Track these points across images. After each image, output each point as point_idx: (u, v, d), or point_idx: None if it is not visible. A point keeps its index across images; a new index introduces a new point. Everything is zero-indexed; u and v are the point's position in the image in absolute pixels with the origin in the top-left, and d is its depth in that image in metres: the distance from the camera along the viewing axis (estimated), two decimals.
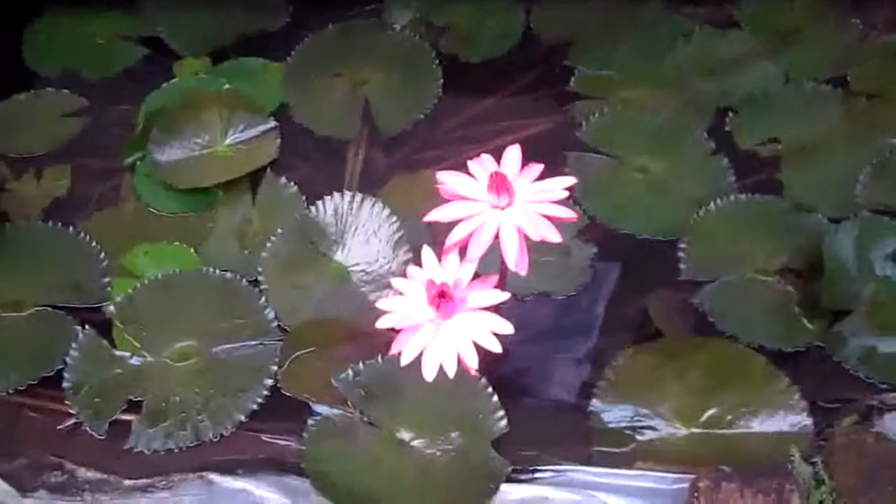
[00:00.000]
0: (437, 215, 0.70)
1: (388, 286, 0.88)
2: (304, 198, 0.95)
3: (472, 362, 0.68)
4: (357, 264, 0.90)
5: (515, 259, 0.68)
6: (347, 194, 0.92)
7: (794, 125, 1.02)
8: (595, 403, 0.82)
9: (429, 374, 0.68)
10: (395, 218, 0.90)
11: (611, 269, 0.91)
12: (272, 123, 1.00)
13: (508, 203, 0.69)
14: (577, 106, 1.05)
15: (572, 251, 0.92)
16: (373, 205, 0.91)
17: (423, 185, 0.98)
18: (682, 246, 0.92)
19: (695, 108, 1.04)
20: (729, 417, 0.79)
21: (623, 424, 0.80)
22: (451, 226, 0.93)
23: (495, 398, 0.80)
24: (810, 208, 0.94)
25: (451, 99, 1.06)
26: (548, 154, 0.74)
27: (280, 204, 0.95)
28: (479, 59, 1.09)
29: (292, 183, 0.96)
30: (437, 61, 1.08)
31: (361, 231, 0.91)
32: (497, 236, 0.69)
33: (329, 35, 1.10)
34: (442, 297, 0.67)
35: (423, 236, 0.92)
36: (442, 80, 1.06)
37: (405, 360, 0.68)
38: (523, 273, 0.69)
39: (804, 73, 1.06)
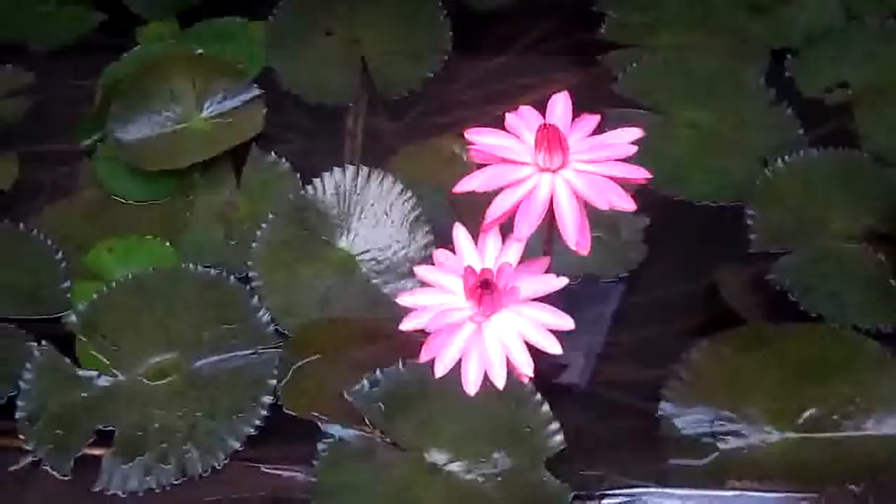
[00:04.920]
0: (471, 184, 0.55)
1: (406, 277, 0.74)
2: (297, 176, 0.80)
3: (527, 368, 0.54)
4: (366, 252, 0.75)
5: (575, 234, 0.54)
6: (350, 169, 0.77)
7: (863, 66, 0.88)
8: (665, 406, 0.67)
9: (471, 386, 0.54)
10: (409, 194, 0.75)
11: (668, 243, 0.76)
12: (256, 91, 0.85)
13: (562, 164, 0.55)
14: (610, 56, 0.90)
15: (621, 225, 0.78)
16: (381, 179, 0.76)
17: (436, 154, 0.84)
18: (750, 212, 0.77)
19: (747, 51, 0.90)
20: (834, 418, 0.65)
21: (701, 431, 0.66)
22: (481, 200, 0.80)
23: (546, 407, 0.66)
24: (894, 161, 0.80)
25: (463, 55, 0.91)
26: (581, 112, 0.59)
27: (270, 184, 0.80)
28: (492, 6, 0.94)
29: (283, 159, 0.81)
30: (445, 12, 0.93)
31: (370, 212, 0.76)
32: (549, 206, 0.55)
33: None
34: (485, 288, 0.52)
35: (443, 215, 0.78)
36: (451, 34, 0.91)
37: (441, 370, 0.53)
38: (585, 252, 0.54)
39: (868, 5, 0.92)
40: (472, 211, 0.74)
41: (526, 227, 0.53)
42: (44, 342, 0.72)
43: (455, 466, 0.65)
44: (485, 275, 0.53)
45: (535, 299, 0.55)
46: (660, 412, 0.68)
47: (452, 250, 0.57)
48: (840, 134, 0.84)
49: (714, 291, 0.74)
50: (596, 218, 0.59)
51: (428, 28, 0.92)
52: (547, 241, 0.62)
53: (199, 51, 0.89)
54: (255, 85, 0.86)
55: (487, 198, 0.77)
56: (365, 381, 0.68)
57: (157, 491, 0.66)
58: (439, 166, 0.85)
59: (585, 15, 0.93)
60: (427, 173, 0.81)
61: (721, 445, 0.66)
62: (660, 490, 0.63)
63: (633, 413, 0.69)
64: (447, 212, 0.79)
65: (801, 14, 0.93)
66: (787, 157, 0.80)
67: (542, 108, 0.58)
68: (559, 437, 0.65)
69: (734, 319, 0.72)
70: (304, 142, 0.87)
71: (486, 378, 0.55)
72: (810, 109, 0.86)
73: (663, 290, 0.75)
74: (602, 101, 0.88)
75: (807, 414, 0.66)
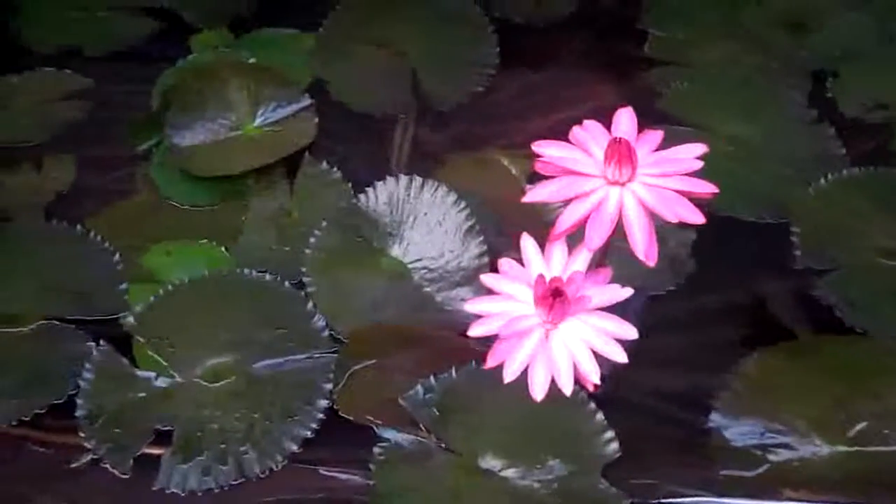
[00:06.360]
0: (540, 195, 0.56)
1: (459, 285, 0.75)
2: (349, 184, 0.82)
3: (594, 376, 0.55)
4: (419, 260, 0.77)
5: (644, 246, 0.55)
6: (403, 179, 0.78)
7: None
8: (715, 418, 0.69)
9: (538, 391, 0.55)
10: (463, 204, 0.76)
11: (715, 258, 0.78)
12: (308, 101, 0.87)
13: (630, 177, 0.56)
14: (654, 73, 0.92)
15: (668, 238, 0.79)
16: (435, 189, 0.77)
17: (482, 166, 0.86)
18: (794, 229, 0.79)
19: (789, 71, 0.92)
20: (886, 432, 0.66)
21: (752, 443, 0.67)
22: (529, 211, 0.82)
23: (600, 415, 0.67)
24: None
25: (509, 68, 0.93)
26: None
27: (322, 192, 0.82)
28: (537, 22, 0.96)
29: (335, 168, 0.83)
30: (492, 27, 0.94)
31: (422, 221, 0.77)
32: (619, 218, 0.56)
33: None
34: (557, 297, 0.54)
35: (490, 225, 0.79)
36: (498, 49, 0.93)
37: (510, 376, 0.54)
38: (652, 263, 0.56)
39: None
40: (521, 222, 0.76)
41: (596, 238, 0.54)
42: (102, 342, 0.73)
43: (510, 472, 0.66)
44: (555, 283, 0.54)
45: (598, 309, 0.57)
46: (710, 423, 0.69)
47: (506, 259, 0.59)
48: (880, 152, 0.86)
49: (762, 305, 0.76)
50: None
51: (475, 42, 0.94)
52: (603, 252, 0.63)
53: (252, 60, 0.91)
54: (307, 95, 0.88)
55: (536, 210, 0.80)
56: (419, 387, 0.69)
57: (216, 490, 0.67)
58: (486, 178, 0.86)
59: (630, 32, 0.95)
60: (474, 184, 0.83)
61: (771, 458, 0.67)
62: (716, 500, 0.64)
63: (682, 423, 0.70)
64: (495, 222, 0.81)
65: (839, 35, 0.95)
66: (830, 175, 0.82)
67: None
68: (615, 445, 0.66)
69: (783, 333, 0.74)
70: (353, 151, 0.88)
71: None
72: (851, 129, 0.87)
73: (711, 303, 0.76)
74: (645, 118, 0.89)
75: (857, 428, 0.67)
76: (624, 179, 0.56)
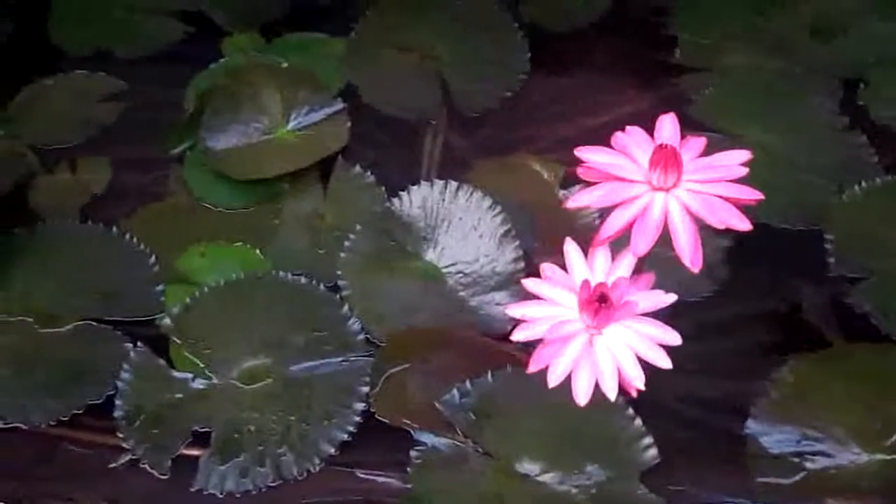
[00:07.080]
0: (584, 200, 0.57)
1: (494, 290, 0.75)
2: (382, 189, 0.82)
3: (639, 381, 0.55)
4: (453, 264, 0.77)
5: (690, 252, 0.55)
6: (438, 183, 0.78)
7: None
8: (751, 425, 0.68)
9: (582, 396, 0.55)
10: (498, 209, 0.77)
11: (750, 264, 0.77)
12: (340, 105, 0.87)
13: (675, 183, 0.56)
14: (684, 79, 0.92)
15: (703, 244, 0.79)
16: (470, 194, 0.77)
17: (512, 171, 0.86)
18: (828, 237, 0.79)
19: (819, 78, 0.91)
20: None
21: (788, 450, 0.67)
22: (557, 217, 0.82)
23: (638, 421, 0.67)
24: None
25: (538, 74, 0.93)
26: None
27: (355, 196, 0.82)
28: (567, 28, 0.96)
29: (368, 171, 0.83)
30: (522, 33, 0.94)
31: (457, 225, 0.77)
32: (664, 224, 0.56)
33: (395, 5, 0.96)
34: (602, 302, 0.54)
35: (524, 229, 0.80)
36: (529, 54, 0.93)
37: (554, 381, 0.55)
38: (697, 270, 0.56)
39: None
40: (553, 227, 0.77)
41: (642, 243, 0.55)
42: (139, 343, 0.73)
43: (547, 476, 0.66)
44: (601, 289, 0.54)
45: (642, 314, 0.57)
46: (747, 430, 0.69)
47: (548, 264, 0.59)
48: None
49: (796, 312, 0.76)
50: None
51: (505, 47, 0.94)
52: (641, 258, 0.63)
53: (284, 64, 0.91)
54: (339, 99, 0.88)
55: (569, 215, 0.80)
56: (455, 391, 0.70)
57: (254, 492, 0.67)
58: (517, 182, 0.86)
59: (659, 38, 0.95)
60: (505, 189, 0.82)
61: (808, 465, 0.67)
62: None
63: (718, 430, 0.70)
64: (528, 226, 0.81)
65: (869, 42, 0.94)
66: (863, 182, 0.82)
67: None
68: (653, 451, 0.66)
69: (817, 340, 0.73)
70: (384, 155, 0.88)
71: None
72: (883, 136, 0.87)
73: (745, 310, 0.76)
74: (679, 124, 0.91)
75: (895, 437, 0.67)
76: (669, 185, 0.56)
